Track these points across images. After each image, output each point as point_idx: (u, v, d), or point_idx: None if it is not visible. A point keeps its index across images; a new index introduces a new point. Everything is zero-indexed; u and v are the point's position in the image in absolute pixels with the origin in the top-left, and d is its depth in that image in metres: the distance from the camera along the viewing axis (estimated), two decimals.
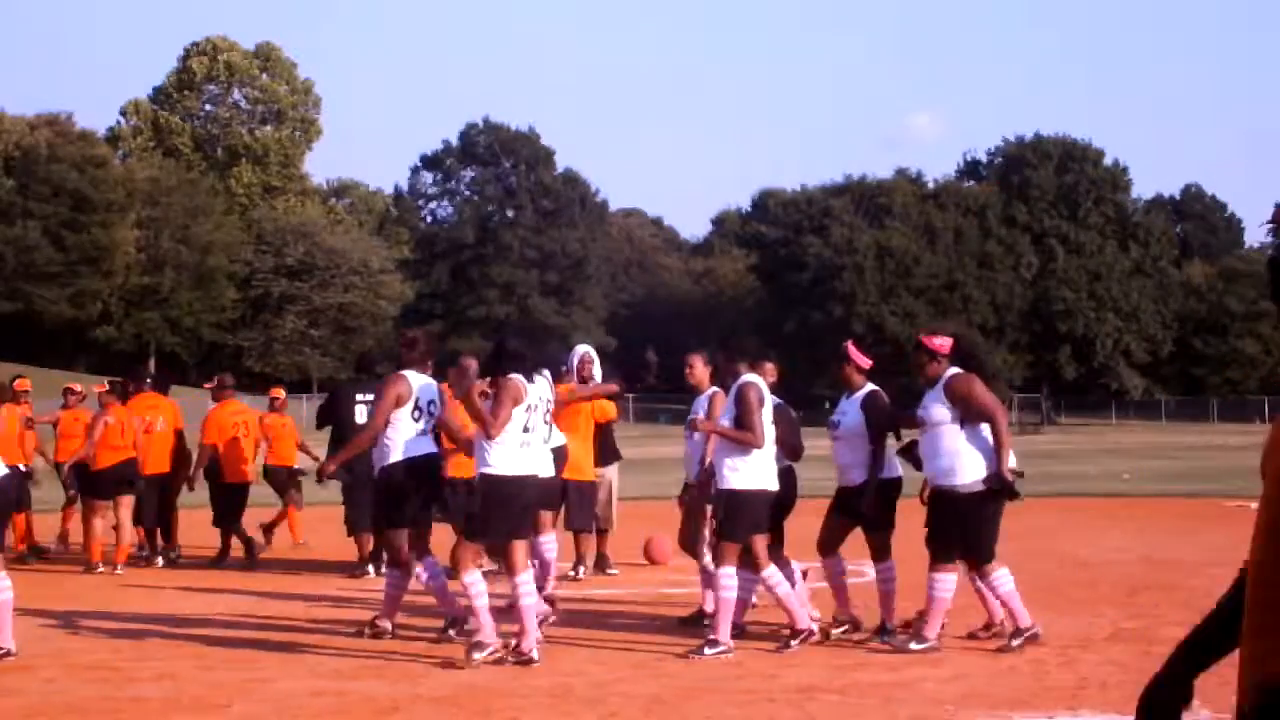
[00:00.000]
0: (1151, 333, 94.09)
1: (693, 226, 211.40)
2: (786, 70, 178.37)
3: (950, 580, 9.20)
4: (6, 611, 9.06)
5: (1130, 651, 8.97)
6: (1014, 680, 8.14)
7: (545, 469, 9.53)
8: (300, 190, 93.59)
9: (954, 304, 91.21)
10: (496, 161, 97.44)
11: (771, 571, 9.23)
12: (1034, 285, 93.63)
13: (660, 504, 23.49)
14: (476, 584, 8.85)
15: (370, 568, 13.27)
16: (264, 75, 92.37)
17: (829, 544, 9.89)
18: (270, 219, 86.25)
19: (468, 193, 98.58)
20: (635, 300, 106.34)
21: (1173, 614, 10.47)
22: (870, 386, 9.70)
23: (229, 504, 14.76)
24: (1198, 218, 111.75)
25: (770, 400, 9.34)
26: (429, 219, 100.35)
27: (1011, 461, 9.31)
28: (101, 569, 13.67)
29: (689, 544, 10.95)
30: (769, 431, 9.20)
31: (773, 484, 9.30)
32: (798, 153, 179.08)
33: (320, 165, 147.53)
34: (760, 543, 9.28)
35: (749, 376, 9.27)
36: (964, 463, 9.09)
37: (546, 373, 9.67)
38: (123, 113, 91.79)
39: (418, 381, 9.58)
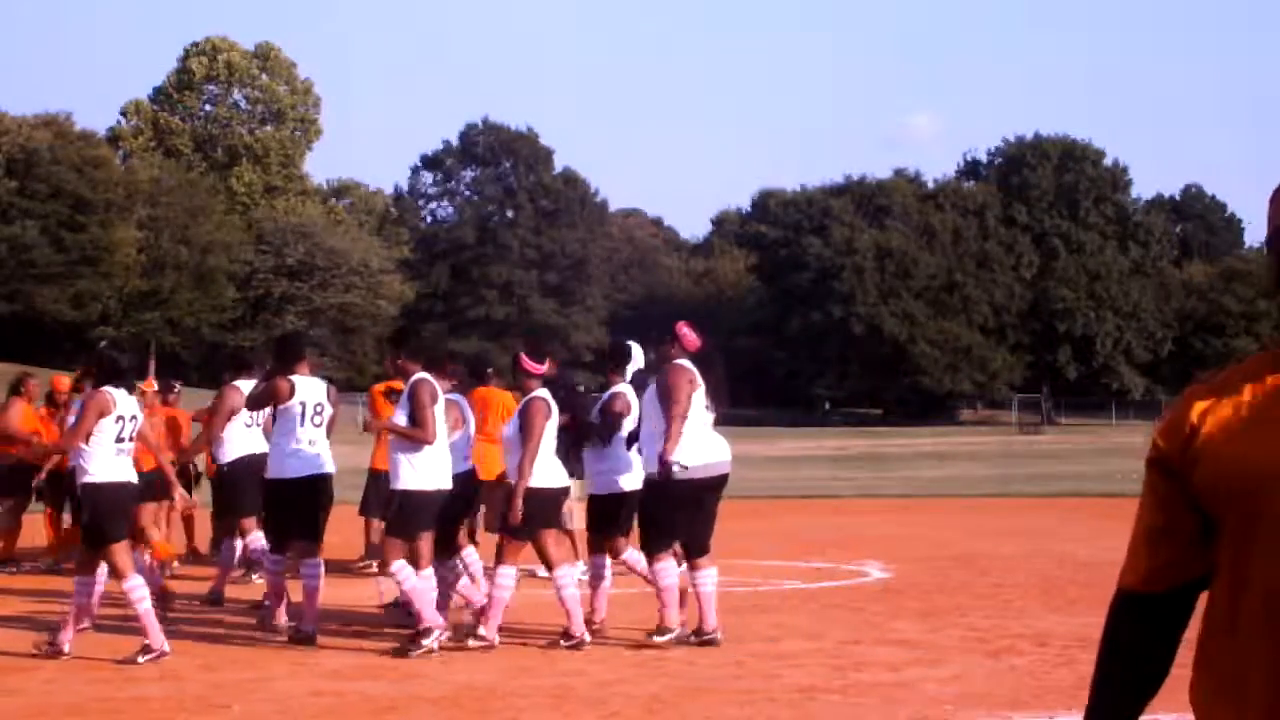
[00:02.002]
0: (1152, 332, 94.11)
1: (693, 226, 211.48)
2: (786, 70, 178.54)
3: (672, 568, 9.33)
4: None
5: None
6: (1014, 680, 8.15)
7: (325, 465, 9.77)
8: (300, 190, 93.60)
9: (954, 304, 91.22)
10: (496, 162, 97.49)
11: (429, 571, 9.29)
12: (1034, 285, 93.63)
13: None
14: (137, 589, 9.03)
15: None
16: (264, 75, 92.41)
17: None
18: (270, 219, 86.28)
19: (468, 193, 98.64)
20: (635, 300, 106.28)
21: None
22: (535, 393, 9.59)
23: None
24: (1198, 218, 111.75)
25: (443, 398, 9.42)
26: (429, 219, 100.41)
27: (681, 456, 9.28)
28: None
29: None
30: (442, 429, 9.29)
31: (446, 482, 9.36)
32: (798, 153, 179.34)
33: (320, 165, 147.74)
34: (427, 540, 9.35)
35: (421, 374, 9.37)
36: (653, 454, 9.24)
37: (322, 383, 9.99)
38: (123, 113, 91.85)
39: (120, 397, 9.68)
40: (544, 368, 9.75)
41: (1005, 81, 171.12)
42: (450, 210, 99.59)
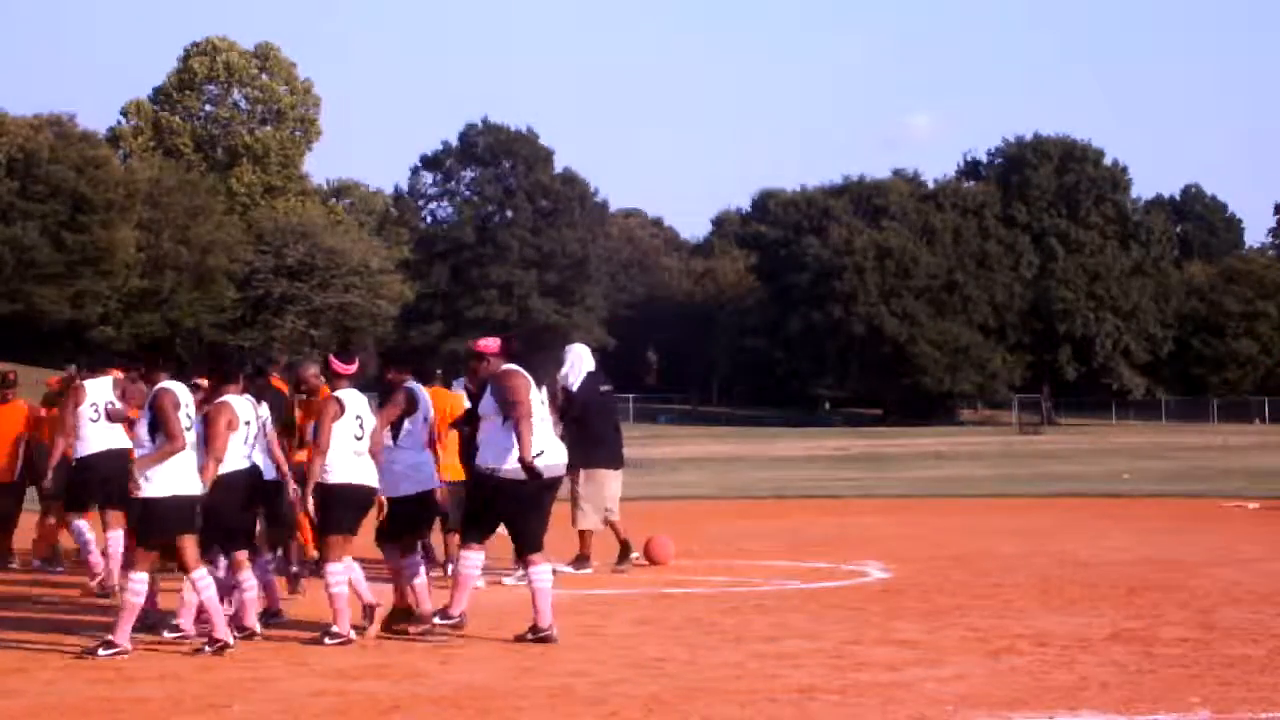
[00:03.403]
0: (1152, 332, 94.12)
1: (693, 226, 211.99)
2: (786, 70, 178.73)
3: (477, 560, 9.68)
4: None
5: (1130, 651, 8.97)
6: (1014, 680, 8.14)
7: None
8: (300, 190, 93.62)
9: (954, 304, 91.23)
10: (496, 162, 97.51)
11: (200, 574, 9.35)
12: (1034, 285, 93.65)
13: (660, 504, 23.49)
14: None
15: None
16: (263, 75, 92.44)
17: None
18: (270, 219, 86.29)
19: (467, 193, 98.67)
20: (635, 300, 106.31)
21: (1173, 614, 10.47)
22: (336, 392, 9.87)
23: None
24: (1198, 218, 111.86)
25: (190, 405, 9.51)
26: (429, 219, 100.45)
27: (545, 456, 9.57)
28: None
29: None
30: (189, 435, 9.40)
31: (195, 487, 9.40)
32: (797, 153, 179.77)
33: (320, 165, 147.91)
34: (189, 544, 9.36)
35: (166, 383, 9.48)
36: (506, 451, 9.49)
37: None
38: (123, 113, 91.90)
39: None
40: (352, 368, 9.96)
41: (1005, 81, 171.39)
42: (450, 210, 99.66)
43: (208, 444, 9.55)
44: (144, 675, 8.55)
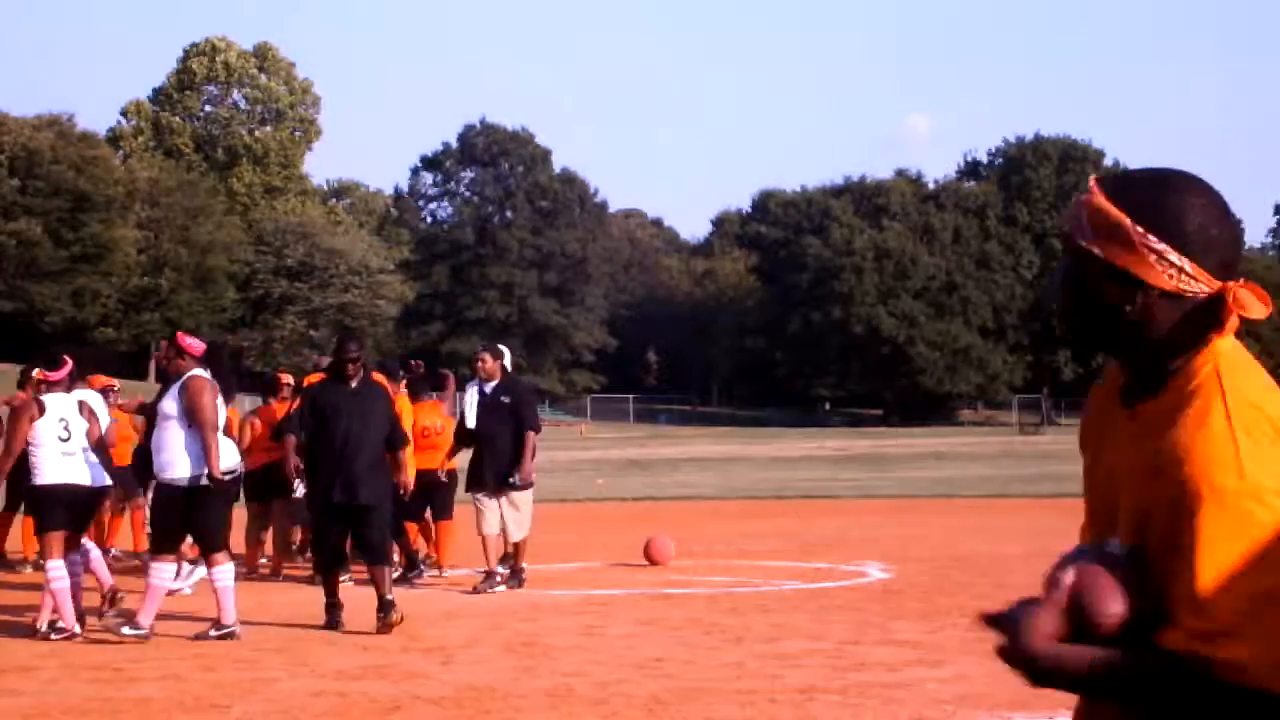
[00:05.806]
0: None
1: (693, 227, 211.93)
2: (786, 70, 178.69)
3: (168, 570, 9.92)
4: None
5: None
6: (1014, 680, 8.11)
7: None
8: (300, 191, 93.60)
9: (953, 305, 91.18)
10: (495, 162, 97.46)
11: None
12: (1034, 285, 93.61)
13: (660, 504, 23.51)
14: None
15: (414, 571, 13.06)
16: (263, 75, 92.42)
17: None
18: (270, 219, 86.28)
19: (467, 193, 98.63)
20: (635, 300, 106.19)
21: None
22: (40, 395, 10.27)
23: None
24: None
25: None
26: (429, 219, 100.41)
27: (230, 463, 9.96)
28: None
29: None
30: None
31: None
32: (798, 153, 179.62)
33: (320, 165, 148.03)
34: None
35: None
36: (181, 458, 9.73)
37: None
38: (123, 113, 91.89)
39: None
40: (59, 374, 10.27)
41: (1005, 81, 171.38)
42: (450, 211, 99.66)
43: None
44: (145, 675, 8.55)
